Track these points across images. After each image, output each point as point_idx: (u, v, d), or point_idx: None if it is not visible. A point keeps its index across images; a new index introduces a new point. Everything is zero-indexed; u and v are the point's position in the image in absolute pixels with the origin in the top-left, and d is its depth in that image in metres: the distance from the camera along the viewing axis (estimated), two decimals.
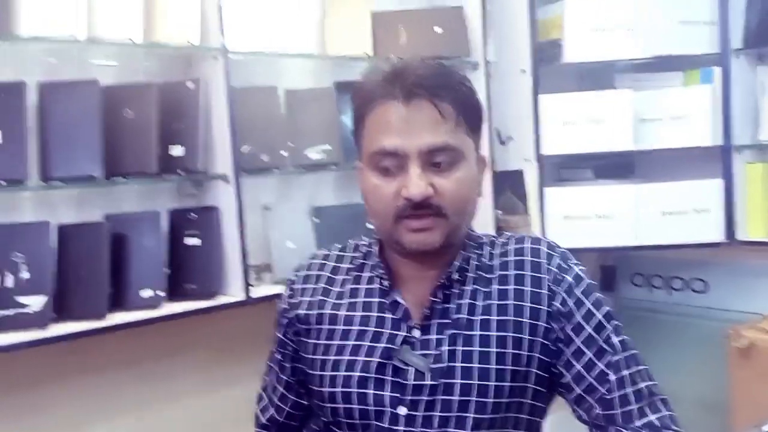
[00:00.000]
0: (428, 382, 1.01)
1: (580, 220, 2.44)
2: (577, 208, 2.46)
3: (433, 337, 1.03)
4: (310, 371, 1.10)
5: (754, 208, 2.35)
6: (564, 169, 2.65)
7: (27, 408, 1.85)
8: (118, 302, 1.81)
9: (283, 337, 1.17)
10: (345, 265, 1.15)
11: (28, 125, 1.73)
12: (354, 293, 1.11)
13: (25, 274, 1.70)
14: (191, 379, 2.12)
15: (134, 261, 1.84)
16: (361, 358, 1.05)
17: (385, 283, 1.08)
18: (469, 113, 1.03)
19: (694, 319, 2.64)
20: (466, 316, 1.03)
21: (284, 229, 2.14)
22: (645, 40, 2.38)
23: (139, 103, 1.89)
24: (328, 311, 1.11)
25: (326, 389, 1.07)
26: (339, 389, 1.05)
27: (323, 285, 1.13)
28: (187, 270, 1.92)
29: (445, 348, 1.02)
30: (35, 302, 1.70)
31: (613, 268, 2.88)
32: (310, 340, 1.11)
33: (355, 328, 1.08)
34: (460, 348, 1.02)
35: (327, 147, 2.21)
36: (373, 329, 1.06)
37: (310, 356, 1.11)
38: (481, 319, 1.03)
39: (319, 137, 2.21)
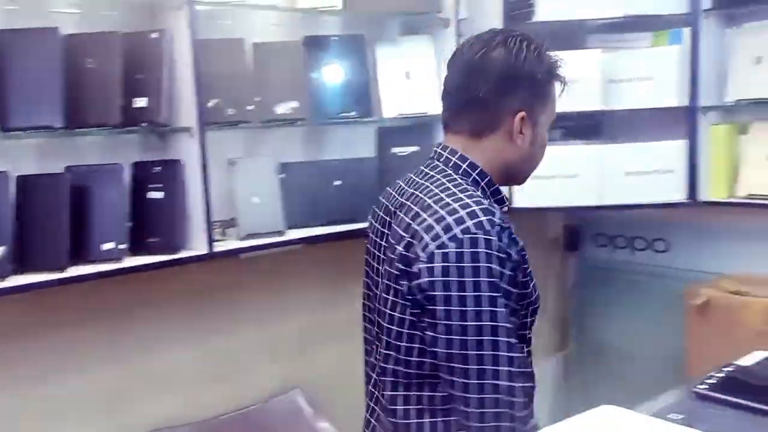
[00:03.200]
0: None
1: (546, 179, 2.45)
2: (544, 167, 2.46)
3: None
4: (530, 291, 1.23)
5: (717, 170, 2.39)
6: None
7: None
8: (79, 255, 1.80)
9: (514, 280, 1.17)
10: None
11: None
12: None
13: None
14: (154, 334, 2.13)
15: (96, 213, 1.82)
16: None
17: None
18: None
19: (655, 279, 2.70)
20: None
21: (250, 185, 2.13)
22: None
23: (102, 52, 1.85)
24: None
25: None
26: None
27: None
28: (150, 223, 1.91)
29: None
30: None
31: (577, 228, 2.93)
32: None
33: None
34: None
35: (295, 104, 2.19)
36: None
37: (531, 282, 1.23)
38: None
39: (288, 92, 2.19)
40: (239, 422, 2.23)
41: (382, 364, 1.24)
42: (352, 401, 2.41)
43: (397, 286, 1.18)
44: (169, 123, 1.95)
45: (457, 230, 1.12)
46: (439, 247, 1.11)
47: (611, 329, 2.74)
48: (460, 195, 1.18)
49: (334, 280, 2.47)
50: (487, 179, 1.27)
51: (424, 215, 1.17)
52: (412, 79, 2.43)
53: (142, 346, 2.10)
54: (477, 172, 1.26)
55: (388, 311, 1.21)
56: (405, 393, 1.21)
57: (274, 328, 2.36)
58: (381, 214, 1.35)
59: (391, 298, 1.20)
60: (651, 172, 2.42)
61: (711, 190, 2.40)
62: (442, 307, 1.10)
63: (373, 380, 1.35)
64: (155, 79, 1.90)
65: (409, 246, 1.16)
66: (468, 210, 1.14)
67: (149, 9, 2.00)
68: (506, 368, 1.10)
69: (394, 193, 1.34)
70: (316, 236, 2.20)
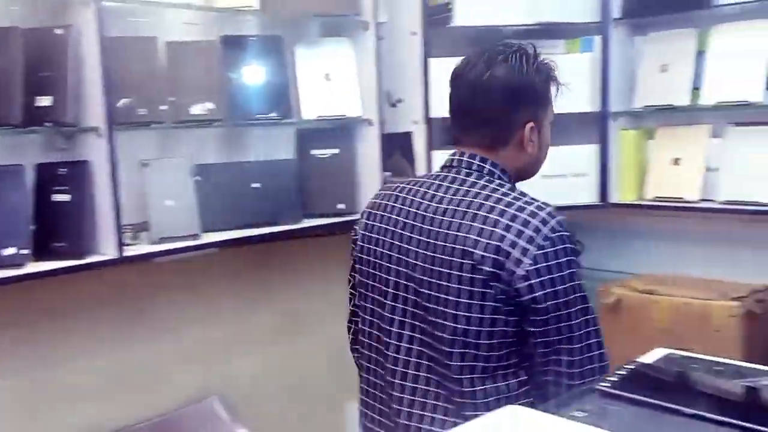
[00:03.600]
0: None
1: None
2: None
3: None
4: None
5: (627, 173, 2.47)
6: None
7: None
8: None
9: None
10: None
11: None
12: None
13: None
14: (62, 343, 2.04)
15: None
16: None
17: None
18: None
19: None
20: None
21: (163, 187, 2.08)
22: (530, 6, 2.43)
23: (2, 49, 1.77)
24: None
25: None
26: None
27: None
28: (56, 227, 1.84)
29: None
30: None
31: None
32: None
33: None
34: None
35: (211, 105, 2.14)
36: None
37: None
38: None
39: (203, 93, 2.14)
40: (154, 430, 2.17)
41: (455, 363, 1.28)
42: (270, 408, 2.39)
43: (478, 288, 1.24)
44: (76, 123, 1.88)
45: (546, 231, 1.23)
46: (538, 248, 1.22)
47: None
48: (528, 198, 1.29)
49: (252, 285, 2.43)
50: (513, 184, 1.37)
51: (505, 220, 1.24)
52: (331, 81, 2.42)
53: (51, 355, 2.02)
54: (506, 177, 1.35)
55: (462, 313, 1.26)
56: (482, 387, 1.28)
57: (190, 335, 2.31)
58: (401, 219, 1.34)
59: (465, 300, 1.25)
60: (567, 175, 2.49)
61: (621, 193, 2.49)
62: (552, 302, 1.23)
63: (417, 389, 1.33)
64: (60, 77, 1.83)
65: (497, 250, 1.23)
66: (545, 211, 1.26)
67: (55, 4, 1.93)
68: (598, 339, 1.29)
69: (416, 199, 1.34)
70: (234, 240, 2.16)
